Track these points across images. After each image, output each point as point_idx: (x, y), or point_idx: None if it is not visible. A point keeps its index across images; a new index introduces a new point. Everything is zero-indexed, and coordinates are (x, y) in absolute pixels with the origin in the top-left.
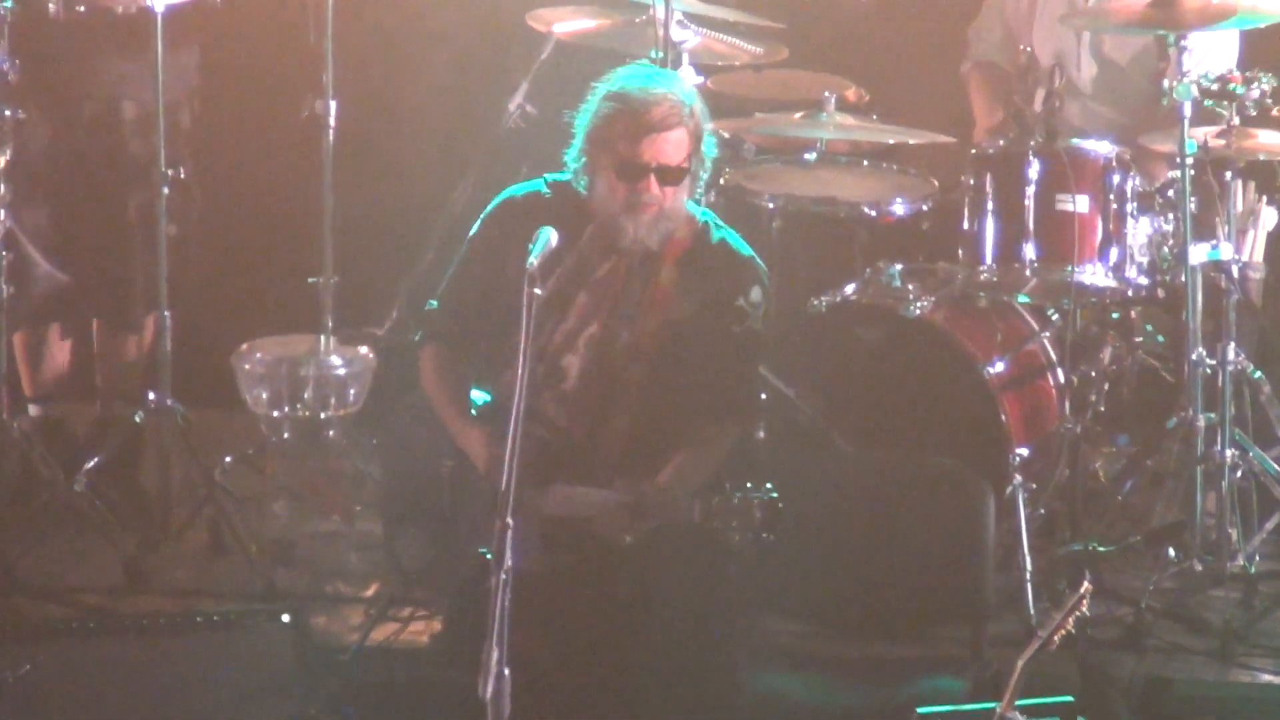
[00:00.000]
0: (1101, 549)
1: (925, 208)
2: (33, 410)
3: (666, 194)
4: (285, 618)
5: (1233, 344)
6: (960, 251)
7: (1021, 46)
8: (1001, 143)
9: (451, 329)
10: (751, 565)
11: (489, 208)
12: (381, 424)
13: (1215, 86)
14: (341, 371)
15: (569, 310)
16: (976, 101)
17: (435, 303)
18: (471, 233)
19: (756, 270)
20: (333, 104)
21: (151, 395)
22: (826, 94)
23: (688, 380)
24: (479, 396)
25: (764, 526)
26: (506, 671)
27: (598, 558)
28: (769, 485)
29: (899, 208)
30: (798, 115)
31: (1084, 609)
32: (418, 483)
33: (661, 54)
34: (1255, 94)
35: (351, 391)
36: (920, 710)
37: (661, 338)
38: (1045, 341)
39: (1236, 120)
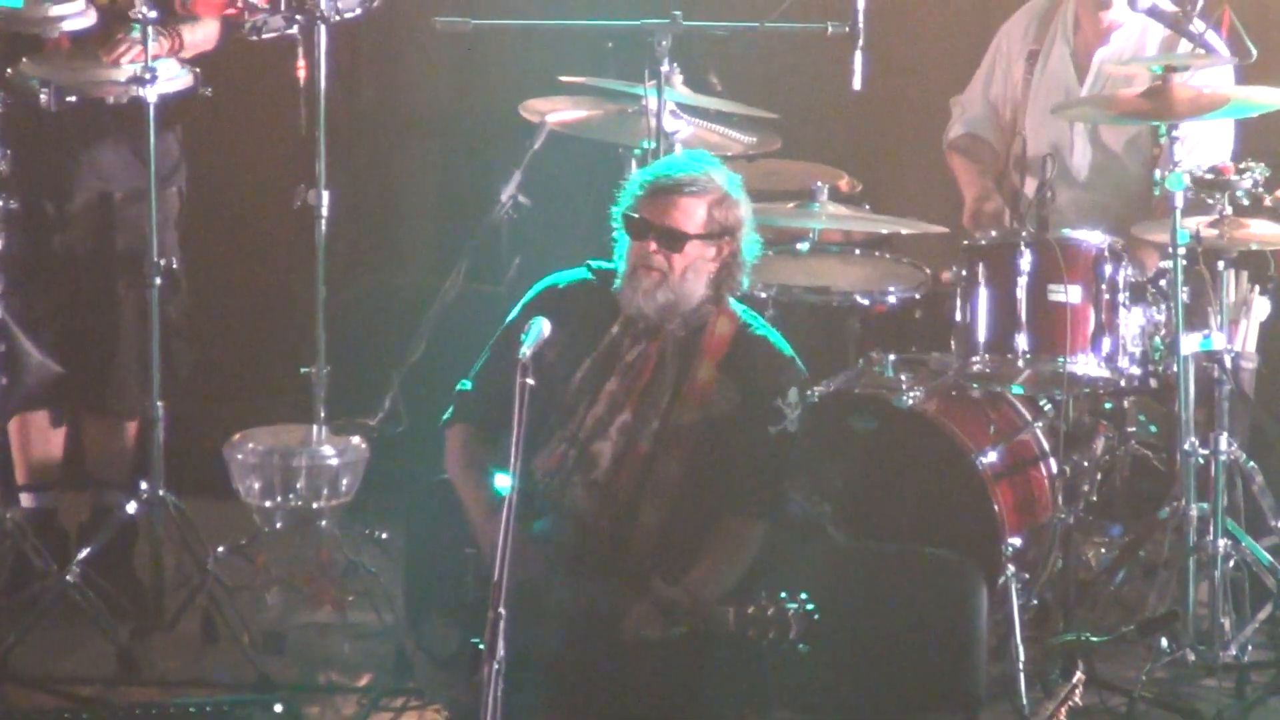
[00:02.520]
0: (1094, 639)
1: (918, 297)
2: (25, 500)
3: (672, 261)
4: (278, 708)
5: (1225, 434)
6: (953, 342)
7: (1014, 131)
8: (994, 233)
9: (482, 412)
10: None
11: (529, 294)
12: (403, 509)
13: (1208, 177)
14: (334, 462)
15: (599, 396)
16: (960, 174)
17: (468, 383)
18: (510, 317)
19: (796, 371)
20: (325, 194)
21: (144, 485)
22: (819, 184)
23: (721, 477)
24: (504, 482)
25: (800, 638)
26: None
27: (623, 654)
28: (804, 595)
29: (892, 297)
30: (791, 205)
31: (1077, 699)
32: (441, 569)
33: (654, 144)
34: (1247, 184)
35: (344, 482)
36: None
37: (696, 432)
38: (1038, 431)
39: (1229, 210)
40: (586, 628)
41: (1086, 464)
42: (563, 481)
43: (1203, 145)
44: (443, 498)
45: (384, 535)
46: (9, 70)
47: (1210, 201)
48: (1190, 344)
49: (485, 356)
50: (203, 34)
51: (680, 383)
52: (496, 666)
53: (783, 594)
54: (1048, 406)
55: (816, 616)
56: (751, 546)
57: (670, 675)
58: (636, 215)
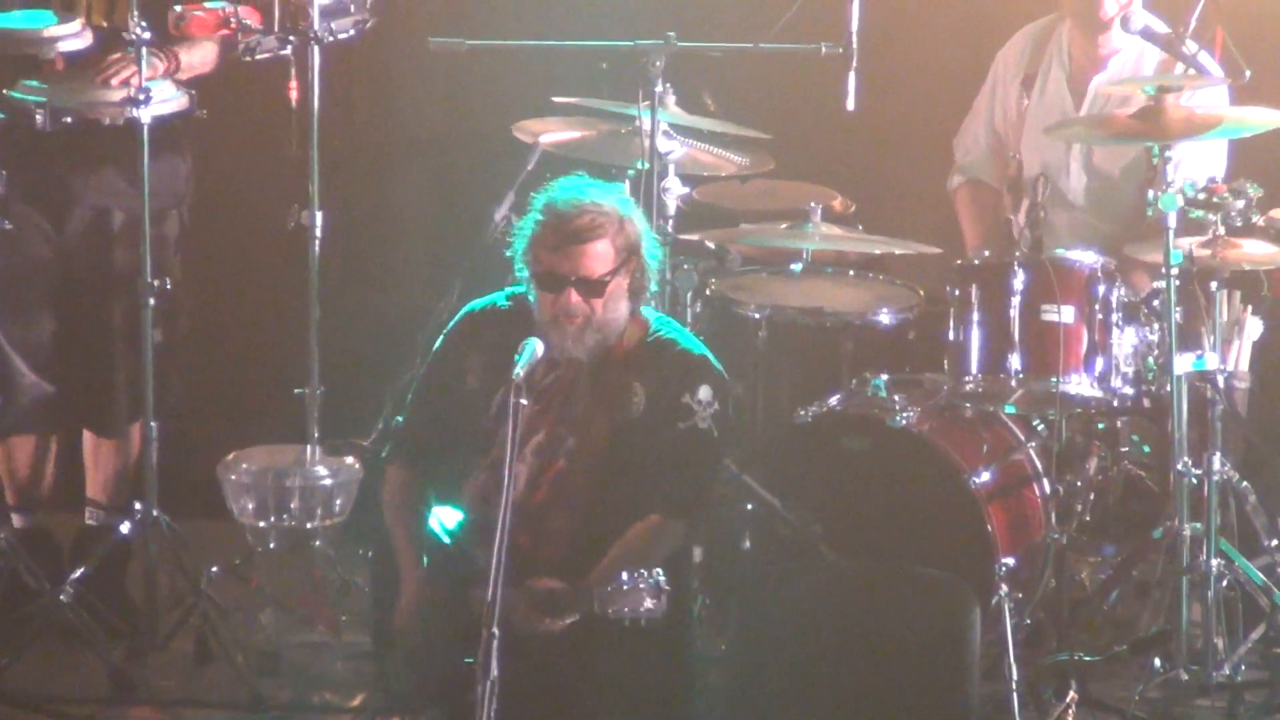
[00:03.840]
0: (1087, 659)
1: (911, 318)
2: (16, 520)
3: (593, 306)
4: None
5: (1218, 454)
6: (946, 362)
7: (1010, 155)
8: (987, 254)
9: (416, 449)
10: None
11: (451, 323)
12: (369, 537)
13: (1201, 196)
14: (328, 482)
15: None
16: (964, 220)
17: (400, 419)
18: (435, 347)
19: (708, 370)
20: (319, 214)
21: (137, 505)
22: (812, 204)
23: (632, 479)
24: (448, 516)
25: (652, 610)
26: None
27: (522, 651)
28: (658, 571)
29: (885, 318)
30: (784, 226)
31: (1070, 719)
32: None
33: (648, 165)
34: (1240, 204)
35: (338, 502)
36: None
37: (607, 438)
38: (1031, 452)
39: (1222, 230)
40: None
41: (1080, 484)
42: (483, 504)
43: (1191, 161)
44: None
45: None
46: (4, 90)
47: (1204, 221)
48: (1183, 364)
49: (414, 387)
50: (200, 56)
51: (594, 395)
52: (490, 684)
53: (641, 570)
54: (1041, 426)
55: (667, 588)
56: (663, 543)
57: (566, 668)
58: (546, 270)
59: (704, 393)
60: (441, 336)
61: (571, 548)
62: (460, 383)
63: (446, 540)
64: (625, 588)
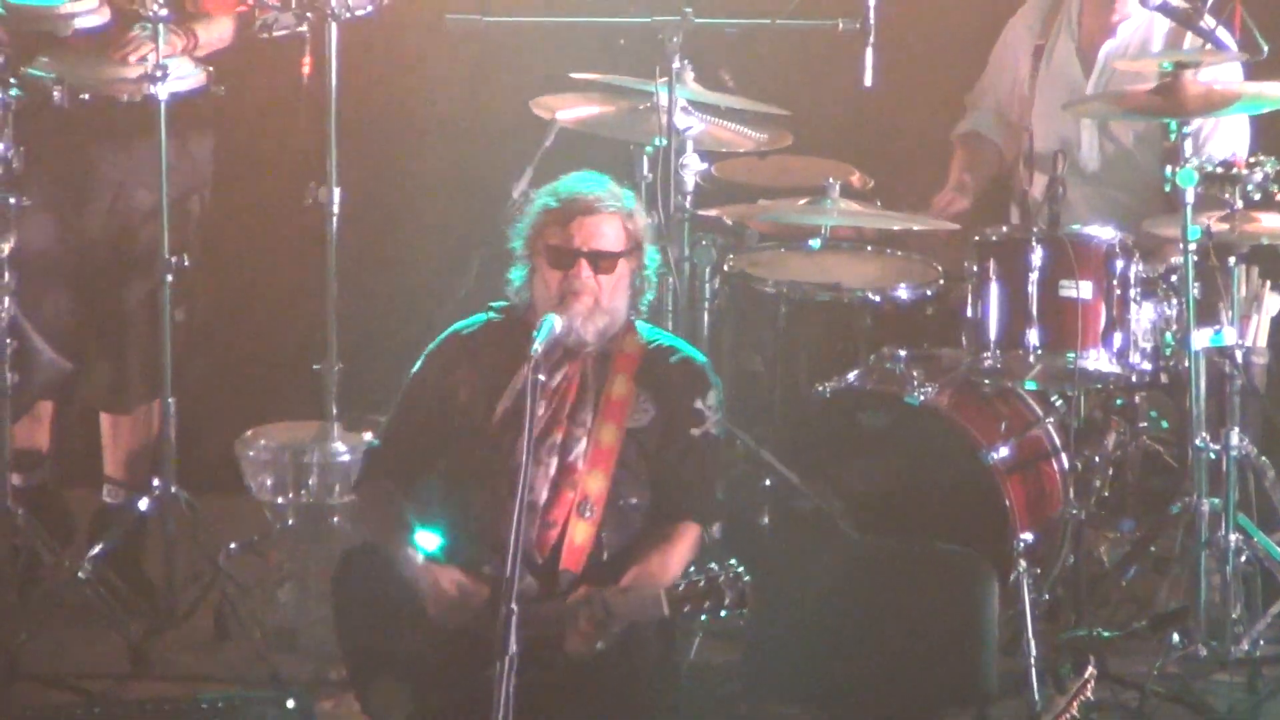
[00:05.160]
0: (1106, 634)
1: (929, 294)
2: (15, 479)
3: (601, 284)
4: (290, 703)
5: (1237, 429)
6: (964, 338)
7: (1023, 126)
8: (1005, 229)
9: (397, 465)
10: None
11: (433, 345)
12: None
13: (1219, 171)
14: (345, 458)
15: (523, 424)
16: (954, 165)
17: (376, 442)
18: (415, 369)
19: (710, 376)
20: (336, 191)
21: (156, 482)
22: (830, 180)
23: (648, 488)
24: (428, 542)
25: (736, 604)
26: None
27: (569, 673)
28: (732, 561)
29: (903, 293)
30: (802, 202)
31: (1088, 694)
32: (382, 633)
33: (666, 141)
34: (1259, 178)
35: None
36: None
37: (619, 447)
38: (1049, 427)
39: (1240, 204)
40: (529, 651)
41: (1098, 459)
42: (495, 514)
43: (1216, 139)
44: (367, 562)
45: None
46: (22, 68)
47: (1223, 197)
48: (1201, 339)
49: (393, 412)
50: (218, 32)
51: (599, 400)
52: (509, 659)
53: (711, 564)
54: (1059, 402)
55: (747, 578)
56: (684, 549)
57: (607, 687)
58: (556, 246)
59: (712, 398)
60: (422, 358)
61: (591, 555)
62: (450, 399)
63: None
64: (701, 585)
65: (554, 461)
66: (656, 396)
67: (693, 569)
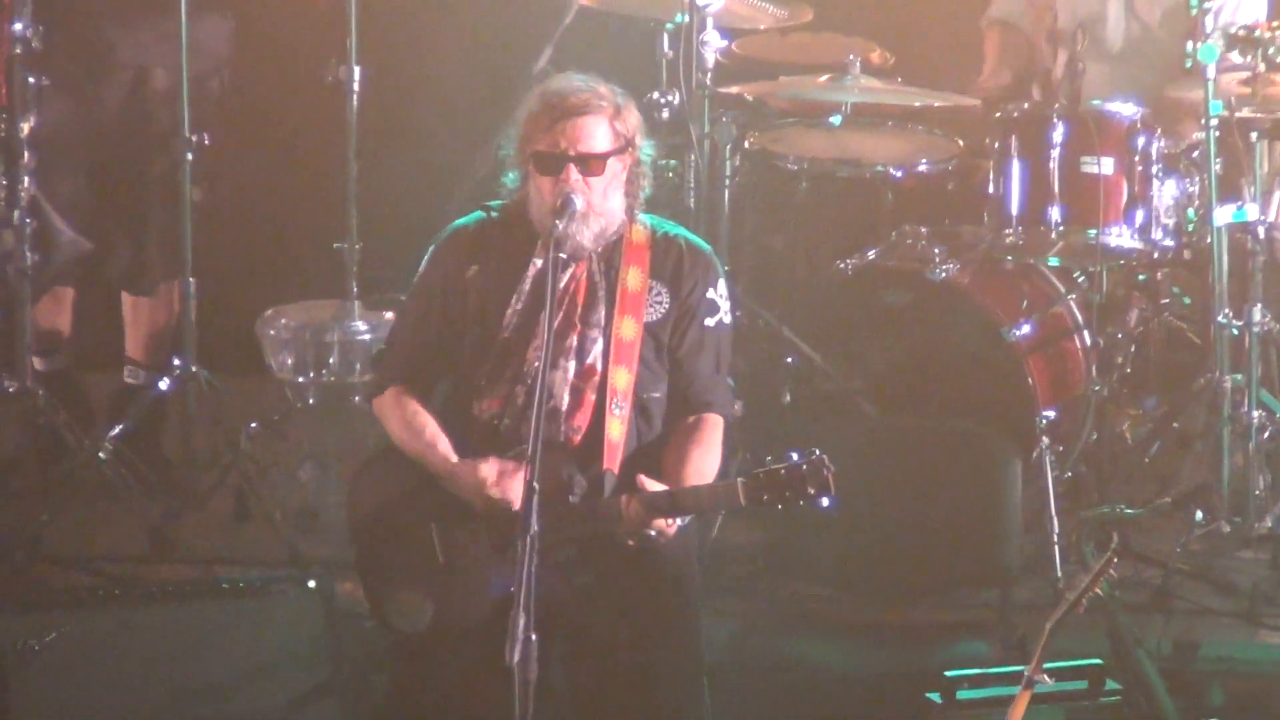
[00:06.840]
0: (1129, 511)
1: (950, 168)
2: (37, 363)
3: (591, 186)
4: (311, 584)
5: (1259, 305)
6: (985, 215)
7: (1049, 7)
8: (1026, 105)
9: (410, 368)
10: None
11: (436, 242)
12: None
13: (1241, 33)
14: (366, 337)
15: (537, 329)
16: (988, 57)
17: (386, 347)
18: (422, 269)
19: (718, 264)
20: (356, 69)
21: (176, 361)
22: (851, 57)
23: (671, 379)
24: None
25: (820, 492)
26: (534, 637)
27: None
28: (813, 449)
29: (924, 168)
30: (823, 78)
31: (1112, 571)
32: (401, 543)
33: (686, 17)
34: None
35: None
36: (948, 674)
37: (640, 341)
38: (1071, 304)
39: (1262, 67)
40: (588, 552)
41: (1120, 336)
42: (515, 420)
43: (1232, 9)
44: (384, 469)
45: None
46: None
47: (1244, 62)
48: (1224, 215)
49: (400, 316)
50: None
51: (613, 296)
52: (530, 540)
53: (792, 452)
54: (1081, 279)
55: (830, 467)
56: (718, 437)
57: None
58: (543, 150)
59: (722, 286)
60: (426, 257)
61: (627, 453)
62: (460, 300)
63: None
64: (783, 474)
65: (571, 366)
66: (671, 287)
67: (770, 458)
